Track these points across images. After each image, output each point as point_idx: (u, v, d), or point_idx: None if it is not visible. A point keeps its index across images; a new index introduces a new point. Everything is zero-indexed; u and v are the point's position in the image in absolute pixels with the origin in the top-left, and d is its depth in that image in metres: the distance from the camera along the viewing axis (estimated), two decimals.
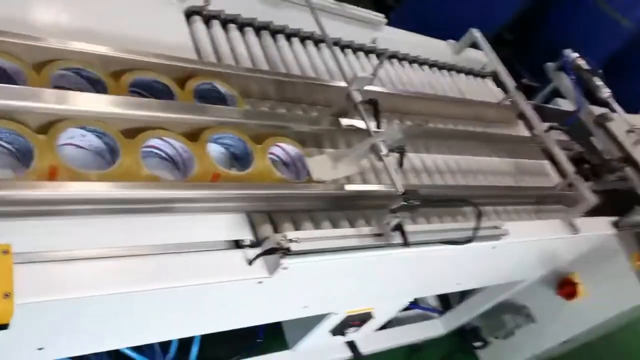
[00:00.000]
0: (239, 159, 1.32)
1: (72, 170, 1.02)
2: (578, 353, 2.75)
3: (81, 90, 1.19)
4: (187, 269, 1.07)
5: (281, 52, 1.70)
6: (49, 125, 1.05)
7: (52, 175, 1.01)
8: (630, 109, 2.23)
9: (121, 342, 1.32)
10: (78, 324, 1.03)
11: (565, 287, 2.21)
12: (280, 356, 1.81)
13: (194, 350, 1.71)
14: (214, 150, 1.28)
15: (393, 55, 2.04)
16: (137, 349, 1.56)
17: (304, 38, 1.80)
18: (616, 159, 1.94)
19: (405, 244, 1.22)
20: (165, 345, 1.68)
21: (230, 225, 1.20)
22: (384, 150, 1.29)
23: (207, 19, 1.61)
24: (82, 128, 1.08)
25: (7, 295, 0.82)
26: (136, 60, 1.25)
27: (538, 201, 1.92)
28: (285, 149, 1.36)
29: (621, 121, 2.09)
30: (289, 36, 1.77)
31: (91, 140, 1.11)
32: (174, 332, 1.34)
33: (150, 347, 1.70)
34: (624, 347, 3.32)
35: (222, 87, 1.36)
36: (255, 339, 1.97)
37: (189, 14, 1.58)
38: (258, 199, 1.22)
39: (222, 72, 1.38)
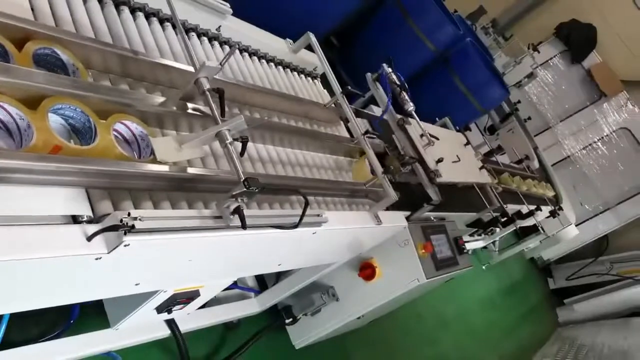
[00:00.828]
0: (79, 133, 1.29)
1: None
2: (369, 327, 3.19)
3: None
4: (20, 242, 1.03)
5: (125, 25, 1.66)
6: None
7: None
8: (424, 120, 2.65)
9: None
10: None
11: (366, 270, 2.55)
12: (101, 335, 1.78)
13: (0, 331, 1.58)
14: (53, 121, 1.22)
15: (234, 45, 2.12)
16: None
17: (149, 14, 1.78)
18: (409, 156, 2.30)
19: (243, 226, 1.33)
20: None
21: (67, 200, 1.17)
22: (229, 138, 1.38)
23: None
24: None
25: None
26: None
27: (351, 194, 2.19)
28: (129, 126, 1.36)
29: (417, 127, 2.48)
30: (133, 10, 1.74)
31: None
32: None
33: None
34: (402, 323, 3.92)
35: (64, 55, 1.30)
36: (70, 317, 1.89)
37: None
38: (99, 174, 1.22)
39: (63, 38, 1.32)
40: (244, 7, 2.51)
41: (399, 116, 2.44)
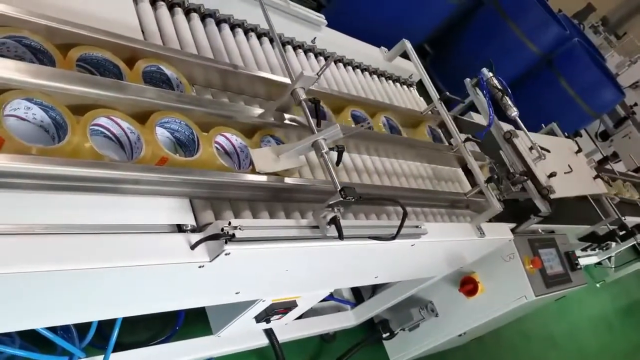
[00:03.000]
0: (183, 145, 1.34)
1: (18, 143, 0.99)
2: (471, 345, 3.03)
3: (23, 59, 1.15)
4: (129, 249, 1.08)
5: (225, 41, 1.72)
6: None
7: None
8: (528, 127, 2.48)
9: (39, 322, 1.28)
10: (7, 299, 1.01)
11: (467, 285, 2.43)
12: (204, 341, 1.84)
13: (114, 334, 1.68)
14: (160, 134, 1.28)
15: (330, 56, 2.12)
16: (53, 330, 1.51)
17: (248, 30, 1.83)
18: (519, 173, 2.16)
19: (340, 237, 1.30)
20: (83, 328, 1.64)
21: (173, 209, 1.22)
22: (325, 148, 1.37)
23: (154, 0, 1.59)
24: (28, 100, 1.05)
25: None
26: (84, 35, 1.22)
27: (451, 205, 2.09)
28: (229, 138, 1.39)
29: (525, 138, 2.33)
30: (233, 26, 1.80)
31: (36, 113, 1.08)
32: (100, 313, 1.33)
33: (66, 328, 1.65)
34: (507, 341, 3.68)
35: (170, 71, 1.36)
36: (176, 324, 1.97)
37: None
38: (202, 185, 1.25)
39: (170, 55, 1.38)
40: (338, 18, 2.52)
41: (505, 128, 2.30)
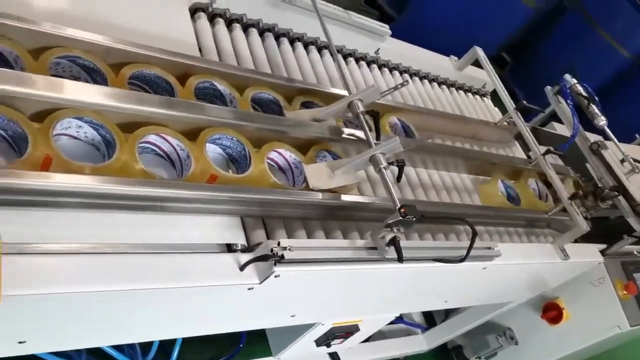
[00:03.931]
0: (235, 161, 1.30)
1: (66, 161, 0.99)
2: None
3: (77, 79, 1.16)
4: (177, 270, 1.04)
5: (284, 55, 1.69)
6: (46, 114, 1.02)
7: (45, 164, 0.98)
8: (620, 137, 2.24)
9: (103, 341, 1.29)
10: (61, 319, 1.00)
11: (550, 311, 2.21)
12: None
13: (175, 352, 1.67)
14: (211, 150, 1.25)
15: (394, 68, 2.03)
16: (118, 348, 1.52)
17: (307, 43, 1.79)
18: (609, 188, 1.94)
19: (399, 259, 1.20)
20: (146, 346, 1.64)
21: (223, 228, 1.17)
22: (383, 163, 1.28)
23: (212, 17, 1.59)
24: (78, 118, 1.05)
25: None
26: (137, 53, 1.22)
27: (529, 224, 1.91)
28: (283, 154, 1.34)
29: (615, 150, 2.10)
30: (292, 40, 1.76)
31: (87, 131, 1.08)
32: (157, 333, 1.31)
33: (131, 346, 1.66)
34: None
35: (222, 87, 1.33)
36: (238, 344, 1.94)
37: (194, 10, 1.56)
38: (253, 203, 1.20)
39: (222, 71, 1.36)
40: (406, 29, 2.43)
41: (591, 139, 2.08)
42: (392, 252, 1.21)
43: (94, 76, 1.16)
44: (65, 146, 1.07)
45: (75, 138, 1.09)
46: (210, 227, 1.16)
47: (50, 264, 0.92)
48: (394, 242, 1.21)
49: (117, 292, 0.97)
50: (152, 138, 1.14)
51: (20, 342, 1.01)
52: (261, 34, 1.69)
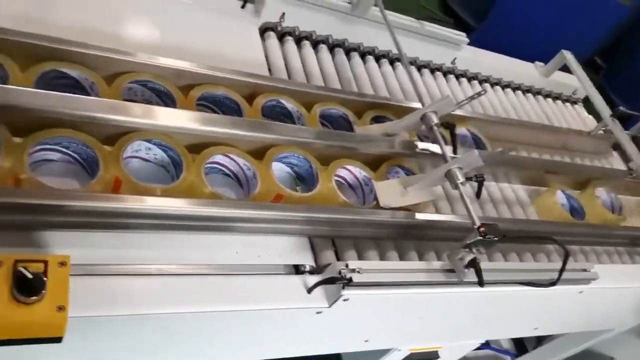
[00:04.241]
0: (304, 180, 1.27)
1: (135, 184, 1.00)
2: None
3: (149, 102, 1.19)
4: (244, 292, 1.02)
5: (354, 70, 1.65)
6: (117, 137, 1.04)
7: (116, 187, 1.00)
8: None
9: None
10: (131, 341, 1.00)
11: None
12: None
13: None
14: (279, 169, 1.23)
15: (473, 77, 1.93)
16: None
17: (379, 56, 1.74)
18: None
19: (480, 283, 1.10)
20: None
21: (291, 249, 1.14)
22: (460, 178, 1.19)
23: (282, 36, 1.59)
24: (148, 141, 1.07)
25: (62, 309, 0.78)
26: (206, 74, 1.23)
27: (631, 242, 1.71)
28: (352, 171, 1.29)
29: None
30: (363, 54, 1.72)
31: (157, 153, 1.09)
32: (225, 357, 1.29)
33: None
34: None
35: (290, 105, 1.31)
36: None
37: (264, 30, 1.57)
38: (321, 222, 1.16)
39: (290, 89, 1.34)
40: (485, 37, 2.31)
41: None
42: (471, 275, 1.12)
43: (164, 99, 1.19)
44: (136, 168, 1.09)
45: (146, 160, 1.10)
46: (278, 247, 1.13)
47: (121, 285, 0.92)
48: (473, 264, 1.11)
49: (186, 314, 0.97)
50: (219, 158, 1.13)
51: None
52: (331, 49, 1.66)
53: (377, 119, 1.44)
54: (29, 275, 0.75)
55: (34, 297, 0.75)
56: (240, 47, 1.47)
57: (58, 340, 0.81)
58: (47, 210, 0.89)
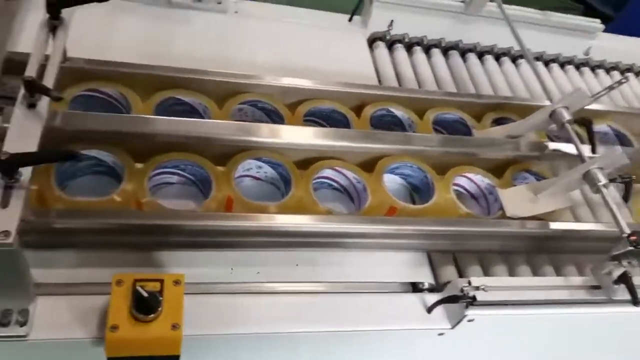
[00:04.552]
0: (419, 191, 1.19)
1: (246, 202, 1.00)
2: None
3: (259, 121, 1.20)
4: (357, 311, 0.96)
5: (471, 71, 1.54)
6: (229, 157, 1.06)
7: (228, 206, 1.01)
8: None
9: None
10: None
11: None
12: None
13: None
14: (391, 181, 1.17)
15: (613, 67, 1.70)
16: None
17: (498, 55, 1.61)
18: None
19: (634, 301, 0.93)
20: None
21: (407, 265, 1.07)
22: (602, 180, 1.03)
23: (391, 44, 1.54)
24: (258, 159, 1.07)
25: (176, 327, 0.79)
26: (312, 89, 1.22)
27: None
28: (473, 179, 1.18)
29: None
30: (481, 54, 1.60)
31: (267, 171, 1.10)
32: None
33: None
34: None
35: (400, 112, 1.25)
36: None
37: (372, 40, 1.53)
38: (440, 236, 1.07)
39: (399, 96, 1.28)
40: (624, 24, 2.05)
41: None
42: (622, 292, 0.95)
43: (272, 117, 1.19)
44: (248, 187, 1.10)
45: (257, 179, 1.11)
46: (393, 264, 1.06)
47: (234, 304, 0.92)
48: (624, 279, 0.95)
49: (299, 334, 0.93)
50: (328, 172, 1.11)
51: None
52: (444, 52, 1.57)
53: (498, 122, 1.32)
54: (146, 295, 0.78)
55: (151, 315, 0.77)
56: (349, 60, 1.45)
57: (175, 358, 0.83)
58: (164, 230, 0.92)
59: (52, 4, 0.94)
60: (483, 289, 0.93)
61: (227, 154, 1.06)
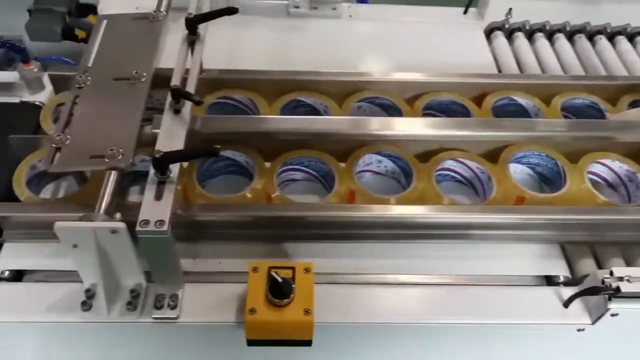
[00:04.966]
0: (548, 181, 1.13)
1: (368, 195, 1.02)
2: None
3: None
4: (489, 304, 0.93)
5: (602, 55, 1.43)
6: (349, 153, 1.09)
7: (350, 199, 1.04)
8: None
9: None
10: (365, 350, 1.00)
11: None
12: None
13: None
14: (518, 171, 1.12)
15: None
16: None
17: (632, 35, 1.48)
18: None
19: None
20: None
21: (539, 258, 1.02)
22: None
23: (510, 33, 1.49)
24: (378, 153, 1.09)
25: (308, 312, 0.83)
26: (429, 82, 1.21)
27: None
28: (610, 166, 1.10)
29: None
30: (612, 36, 1.49)
31: (387, 165, 1.11)
32: None
33: None
34: None
35: (525, 100, 1.20)
36: None
37: (490, 31, 1.49)
38: (575, 226, 1.01)
39: (523, 83, 1.23)
40: None
41: None
42: None
43: (390, 112, 1.20)
44: (369, 182, 1.12)
45: (377, 173, 1.13)
46: (524, 256, 1.02)
47: (360, 294, 0.94)
48: None
49: (424, 325, 0.93)
50: (450, 164, 1.09)
51: None
52: (570, 37, 1.48)
53: (635, 105, 1.21)
54: (280, 280, 0.82)
55: (285, 300, 0.82)
56: (466, 53, 1.43)
57: (308, 343, 0.86)
58: (293, 222, 0.97)
59: (191, 20, 1.04)
60: (627, 280, 0.86)
61: (347, 150, 1.09)
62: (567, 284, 0.98)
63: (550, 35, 1.48)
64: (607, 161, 1.09)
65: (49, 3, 1.38)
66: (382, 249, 1.00)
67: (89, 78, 0.98)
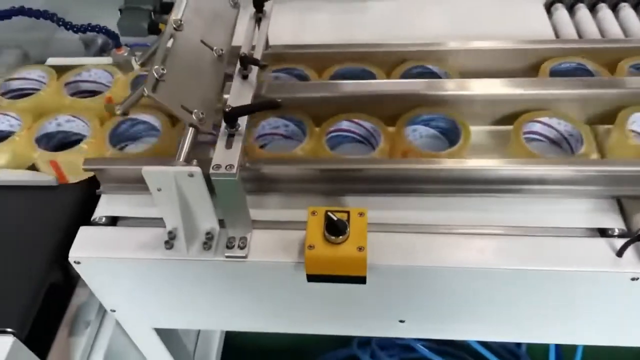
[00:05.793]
0: None
1: (420, 152, 1.06)
2: None
3: None
4: (540, 252, 0.96)
5: None
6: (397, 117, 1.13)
7: (403, 157, 1.09)
8: None
9: (475, 334, 1.25)
10: (432, 298, 1.05)
11: None
12: None
13: None
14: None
15: None
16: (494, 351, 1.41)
17: None
18: None
19: None
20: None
21: (592, 211, 1.02)
22: None
23: (571, 5, 1.49)
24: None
25: (362, 249, 0.89)
26: (485, 49, 1.23)
27: None
28: None
29: None
30: None
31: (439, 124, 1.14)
32: (526, 335, 1.19)
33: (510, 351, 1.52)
34: None
35: (590, 66, 1.19)
36: None
37: (550, 4, 1.50)
38: (631, 180, 1.01)
39: (586, 47, 1.23)
40: None
41: None
42: None
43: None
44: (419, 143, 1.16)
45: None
46: (578, 211, 1.03)
47: (417, 241, 0.98)
48: None
49: (489, 270, 0.96)
50: (538, 127, 1.11)
51: (400, 321, 1.12)
52: (635, 6, 1.46)
53: None
54: (335, 219, 0.90)
55: (340, 237, 0.90)
56: (525, 27, 1.43)
57: (362, 280, 0.93)
58: (350, 175, 1.03)
59: None
60: None
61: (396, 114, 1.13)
62: (621, 236, 0.98)
63: (614, 6, 1.47)
64: None
65: (137, 2, 1.54)
66: (436, 203, 1.04)
67: (184, 27, 1.00)
